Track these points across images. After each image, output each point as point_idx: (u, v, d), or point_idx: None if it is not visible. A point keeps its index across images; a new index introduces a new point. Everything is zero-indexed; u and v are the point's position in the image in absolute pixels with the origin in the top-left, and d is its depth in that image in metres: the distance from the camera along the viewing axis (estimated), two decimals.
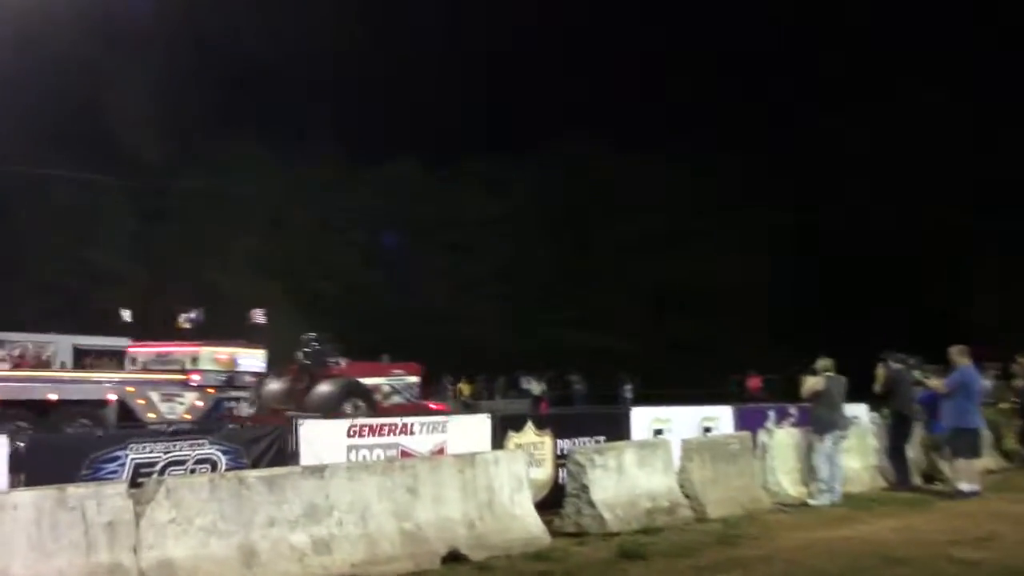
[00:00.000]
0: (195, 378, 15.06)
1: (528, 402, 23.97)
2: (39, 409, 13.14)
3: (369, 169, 34.02)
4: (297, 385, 15.77)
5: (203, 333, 15.84)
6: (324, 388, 15.28)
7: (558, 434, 10.46)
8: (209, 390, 15.30)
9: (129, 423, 13.35)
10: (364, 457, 8.73)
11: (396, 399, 16.40)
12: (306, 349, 16.13)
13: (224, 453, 7.86)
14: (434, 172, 34.91)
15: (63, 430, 12.29)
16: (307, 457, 8.23)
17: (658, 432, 11.43)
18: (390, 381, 16.52)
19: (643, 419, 11.60)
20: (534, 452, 10.05)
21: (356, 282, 32.41)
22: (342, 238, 32.93)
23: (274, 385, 15.87)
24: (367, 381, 16.03)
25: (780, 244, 35.24)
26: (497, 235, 36.46)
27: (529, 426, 10.23)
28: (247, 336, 15.91)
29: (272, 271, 30.32)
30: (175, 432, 8.78)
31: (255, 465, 7.91)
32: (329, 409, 14.22)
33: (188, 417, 14.66)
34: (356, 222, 32.93)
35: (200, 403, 15.24)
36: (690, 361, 31.57)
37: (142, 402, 14.27)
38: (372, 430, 8.96)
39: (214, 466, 7.80)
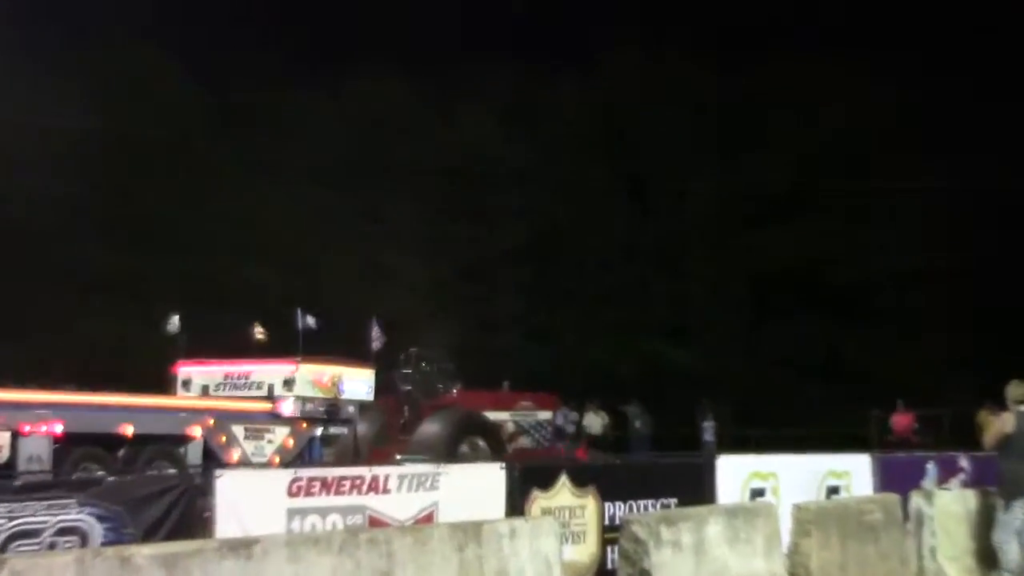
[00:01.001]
0: (286, 407, 15.28)
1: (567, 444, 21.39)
2: (110, 445, 13.19)
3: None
4: (397, 420, 15.95)
5: (274, 346, 15.92)
6: (434, 424, 15.23)
7: (606, 494, 10.05)
8: (303, 424, 15.43)
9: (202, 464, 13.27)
10: (313, 526, 8.36)
11: (524, 441, 16.51)
12: (408, 370, 16.31)
13: (100, 519, 7.24)
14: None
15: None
16: (227, 525, 7.81)
17: (758, 493, 11.24)
18: (517, 417, 16.70)
19: (735, 472, 11.32)
20: (570, 520, 9.75)
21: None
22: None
23: (367, 420, 16.02)
24: (490, 415, 16.23)
25: (954, 221, 31.09)
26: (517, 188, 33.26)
27: (563, 481, 9.81)
28: (359, 351, 16.03)
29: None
30: (25, 488, 7.90)
31: (148, 537, 7.41)
32: (440, 452, 14.12)
33: (277, 461, 14.55)
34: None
35: (291, 442, 15.07)
36: (807, 386, 29.55)
37: (222, 439, 14.44)
38: (326, 486, 8.50)
39: (84, 538, 7.19)
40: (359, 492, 8.72)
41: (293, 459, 14.40)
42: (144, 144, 27.40)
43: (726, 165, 34.66)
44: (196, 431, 13.99)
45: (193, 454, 13.86)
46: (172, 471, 11.87)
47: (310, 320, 15.17)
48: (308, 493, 8.45)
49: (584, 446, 20.42)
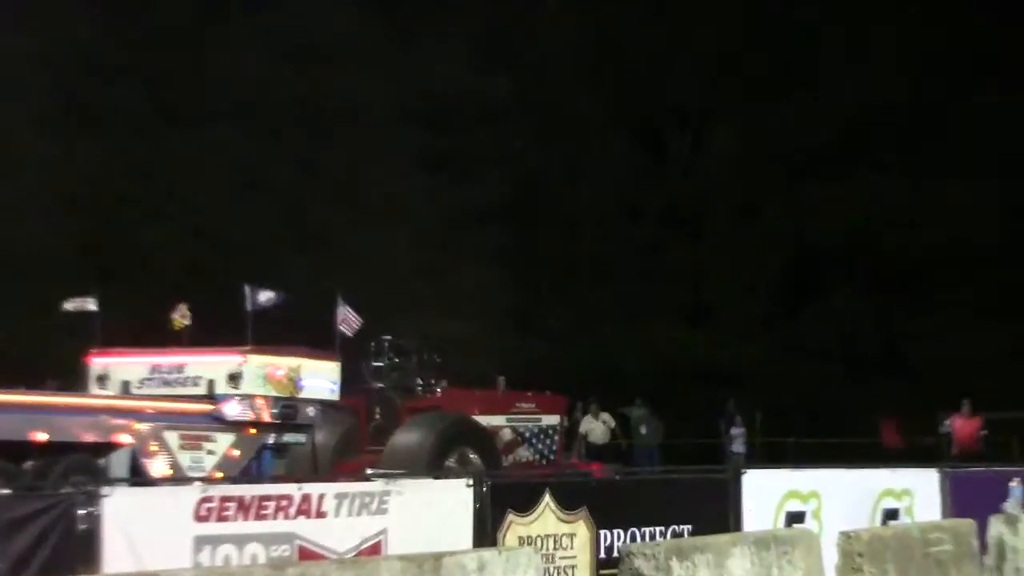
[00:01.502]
0: (231, 409, 14.88)
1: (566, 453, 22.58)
2: (17, 455, 12.72)
3: None
4: (367, 425, 15.75)
5: (208, 334, 15.41)
6: (413, 430, 15.06)
7: (602, 518, 9.98)
8: (251, 430, 15.12)
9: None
10: (228, 559, 8.28)
11: (524, 454, 16.23)
12: (380, 363, 16.07)
13: None
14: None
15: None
16: (116, 555, 7.76)
17: (795, 518, 11.11)
18: (516, 422, 16.45)
19: (767, 491, 11.25)
20: (555, 552, 9.73)
21: None
22: None
23: (330, 425, 15.67)
24: (482, 420, 15.86)
25: None
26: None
27: (547, 502, 9.80)
28: (325, 340, 15.48)
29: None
30: None
31: (16, 571, 7.43)
32: (421, 466, 14.02)
33: (219, 475, 14.17)
34: None
35: (236, 452, 14.77)
36: (857, 383, 28.57)
37: (152, 448, 14.00)
38: (244, 507, 8.44)
39: None
40: (286, 516, 8.65)
41: (239, 473, 14.05)
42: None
43: (760, 107, 33.03)
44: (124, 438, 13.63)
45: (118, 466, 13.49)
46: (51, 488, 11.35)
47: (263, 297, 14.68)
48: (221, 517, 8.39)
49: (578, 456, 20.00)
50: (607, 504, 10.19)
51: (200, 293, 17.21)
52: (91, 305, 15.43)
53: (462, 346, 23.45)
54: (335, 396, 15.45)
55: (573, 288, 32.31)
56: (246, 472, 14.36)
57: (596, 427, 22.22)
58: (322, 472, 14.65)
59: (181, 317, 15.02)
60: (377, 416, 16.05)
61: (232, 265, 23.95)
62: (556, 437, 17.04)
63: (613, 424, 22.44)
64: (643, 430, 23.59)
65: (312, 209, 28.95)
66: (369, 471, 13.35)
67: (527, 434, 16.70)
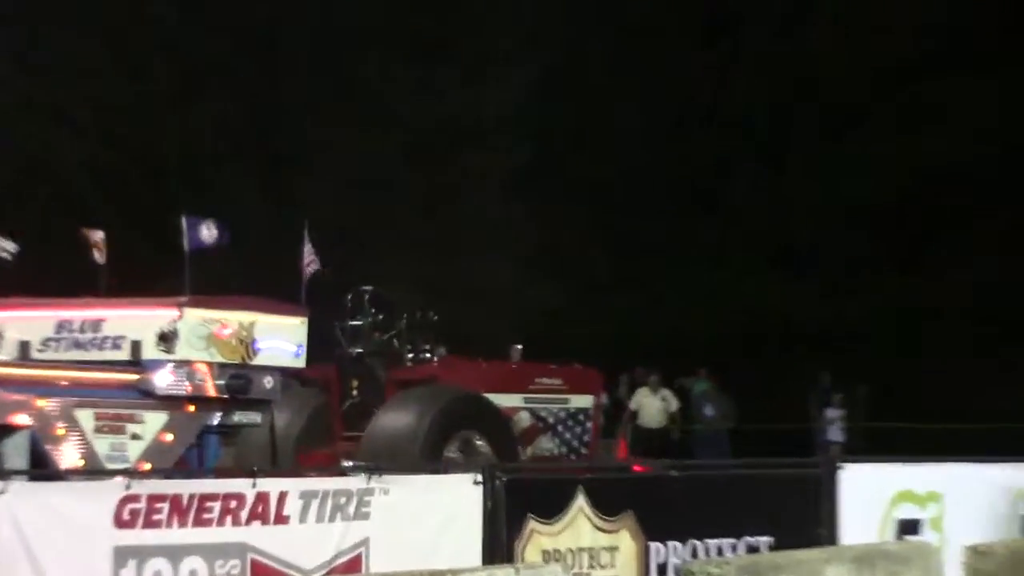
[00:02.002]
0: (163, 379, 14.95)
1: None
2: None
3: None
4: (342, 402, 16.07)
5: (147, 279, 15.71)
6: (403, 410, 15.26)
7: (652, 527, 10.28)
8: (189, 406, 15.16)
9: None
10: None
11: (546, 444, 16.54)
12: (360, 321, 16.30)
13: None
14: None
15: None
16: (11, 572, 8.02)
17: (909, 526, 11.44)
18: (537, 403, 16.77)
19: (872, 492, 11.51)
20: (591, 570, 10.02)
21: None
22: None
23: (294, 402, 16.10)
24: (493, 399, 16.02)
25: None
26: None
27: (580, 505, 10.07)
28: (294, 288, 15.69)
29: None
30: None
31: None
32: (412, 456, 14.31)
33: (147, 467, 14.27)
34: None
35: (170, 436, 14.83)
36: (994, 351, 28.34)
37: (57, 431, 14.11)
38: (180, 509, 8.67)
39: None
40: (236, 521, 8.83)
41: (175, 464, 14.24)
42: None
43: None
44: (20, 418, 13.79)
45: (13, 456, 13.65)
46: None
47: (205, 232, 14.79)
48: (150, 522, 8.55)
49: (623, 441, 20.28)
50: (660, 507, 10.26)
51: (120, 226, 17.22)
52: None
53: (467, 300, 23.52)
54: (300, 363, 15.49)
55: (616, 223, 32.25)
56: (183, 463, 14.49)
57: (651, 405, 22.59)
58: (283, 463, 14.81)
59: (98, 251, 15.10)
60: (355, 391, 16.17)
61: (163, 188, 23.97)
62: (589, 424, 17.19)
63: (676, 405, 22.84)
64: (708, 411, 23.88)
65: (270, 113, 29.02)
66: (345, 462, 13.47)
67: (551, 419, 16.84)
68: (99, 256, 15.91)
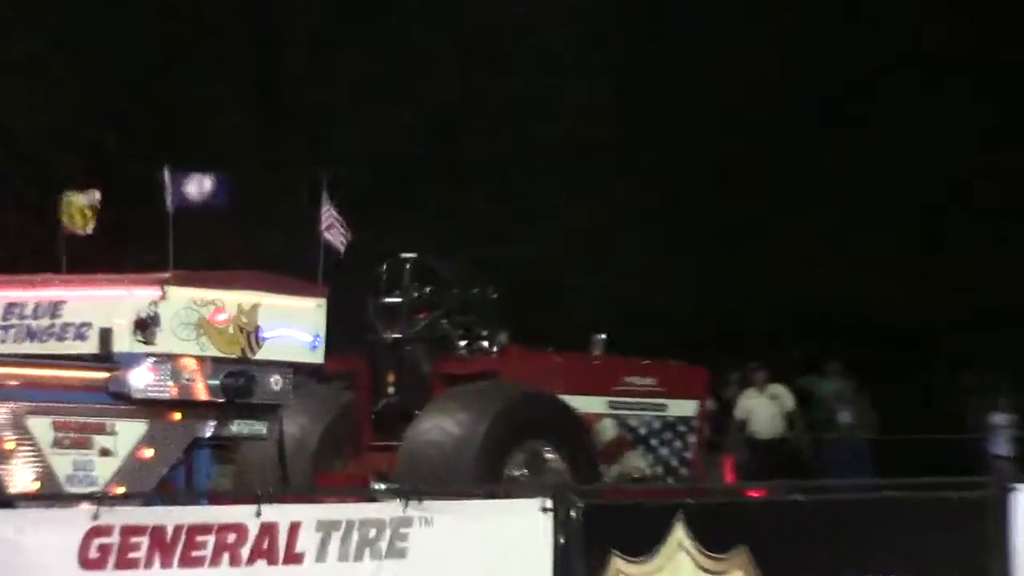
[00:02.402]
0: (140, 378, 15.03)
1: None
2: None
3: None
4: (372, 403, 16.25)
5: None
6: (453, 412, 15.41)
7: (773, 565, 10.59)
8: (174, 415, 15.17)
9: None
10: None
11: (636, 463, 16.67)
12: (394, 300, 16.49)
13: None
14: None
15: None
16: None
17: None
18: (626, 408, 16.95)
19: None
20: None
21: None
22: None
23: (310, 405, 16.33)
24: (570, 402, 16.16)
25: None
26: None
27: (679, 538, 10.34)
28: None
29: None
30: None
31: None
32: (464, 472, 14.49)
33: (120, 490, 14.34)
34: None
35: (149, 451, 14.89)
36: None
37: (9, 443, 14.20)
38: (162, 544, 8.83)
39: None
40: (235, 560, 9.00)
41: (155, 487, 14.24)
42: None
43: None
44: None
45: None
46: None
47: (194, 187, 14.85)
48: (125, 561, 8.71)
49: (730, 457, 20.55)
50: (782, 542, 10.48)
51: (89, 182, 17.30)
52: None
53: (535, 272, 23.42)
54: (318, 357, 15.59)
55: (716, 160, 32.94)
56: (167, 486, 14.54)
57: (762, 408, 22.76)
58: (296, 485, 14.93)
59: (81, 215, 15.13)
60: (391, 389, 16.29)
61: (139, 132, 24.01)
62: (691, 436, 17.31)
63: (791, 403, 22.89)
64: (842, 415, 24.06)
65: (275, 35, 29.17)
66: (376, 484, 13.66)
67: (643, 429, 16.94)
68: (80, 223, 15.97)
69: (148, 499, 12.09)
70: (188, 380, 15.52)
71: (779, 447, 22.60)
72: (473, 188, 30.22)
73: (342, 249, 16.20)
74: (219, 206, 15.55)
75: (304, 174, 16.58)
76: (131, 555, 8.64)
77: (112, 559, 8.58)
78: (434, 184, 29.20)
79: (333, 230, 16.00)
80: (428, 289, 16.53)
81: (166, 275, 15.08)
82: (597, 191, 32.94)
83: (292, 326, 16.12)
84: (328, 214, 16.01)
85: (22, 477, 14.69)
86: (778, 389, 22.72)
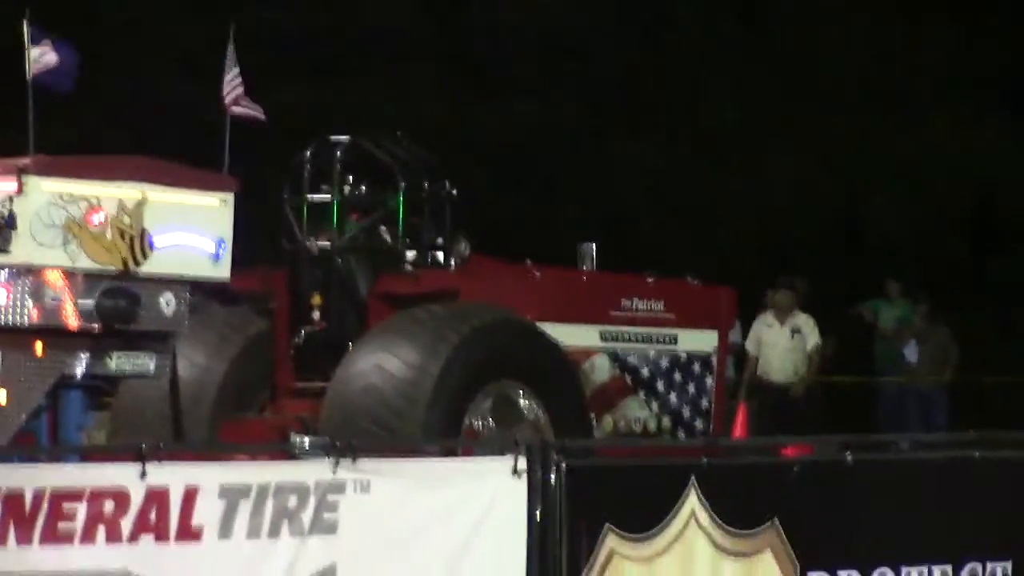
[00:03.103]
0: None
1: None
2: None
3: None
4: (293, 331, 16.38)
5: None
6: (394, 345, 15.67)
7: (813, 544, 10.83)
8: (36, 343, 15.27)
9: None
10: None
11: (638, 413, 17.01)
12: (319, 196, 16.60)
13: None
14: None
15: None
16: None
17: None
18: (624, 342, 17.22)
19: None
20: None
21: None
22: None
23: (211, 334, 16.55)
24: (552, 332, 16.44)
25: None
26: None
27: (692, 508, 10.59)
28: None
29: None
30: None
31: None
32: (412, 420, 14.75)
33: None
34: None
35: (1, 394, 15.00)
36: None
37: None
38: (18, 514, 8.87)
39: None
40: (113, 534, 9.07)
41: (10, 440, 14.40)
42: None
43: None
44: None
45: None
46: None
47: (46, 55, 14.95)
48: None
49: (742, 406, 20.69)
50: (825, 514, 10.74)
51: None
52: None
53: (508, 165, 23.44)
54: (223, 271, 15.74)
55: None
56: (26, 437, 14.68)
57: (775, 340, 23.20)
58: (193, 439, 15.10)
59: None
60: (316, 315, 16.45)
61: None
62: (708, 378, 17.57)
63: (813, 341, 23.21)
64: (910, 352, 24.35)
65: None
66: (297, 436, 13.24)
67: (646, 369, 17.16)
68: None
69: (1, 454, 12.23)
70: (53, 300, 15.64)
71: (792, 396, 23.01)
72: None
73: (263, 116, 16.34)
74: (69, 77, 15.72)
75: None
76: None
77: None
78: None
79: (243, 102, 16.11)
80: (364, 185, 16.74)
81: (24, 162, 15.20)
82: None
83: (189, 230, 16.23)
84: (233, 79, 16.08)
85: None
86: (801, 319, 23.05)
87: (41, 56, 15.34)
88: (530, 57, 32.70)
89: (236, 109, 15.67)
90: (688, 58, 34.67)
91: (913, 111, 34.16)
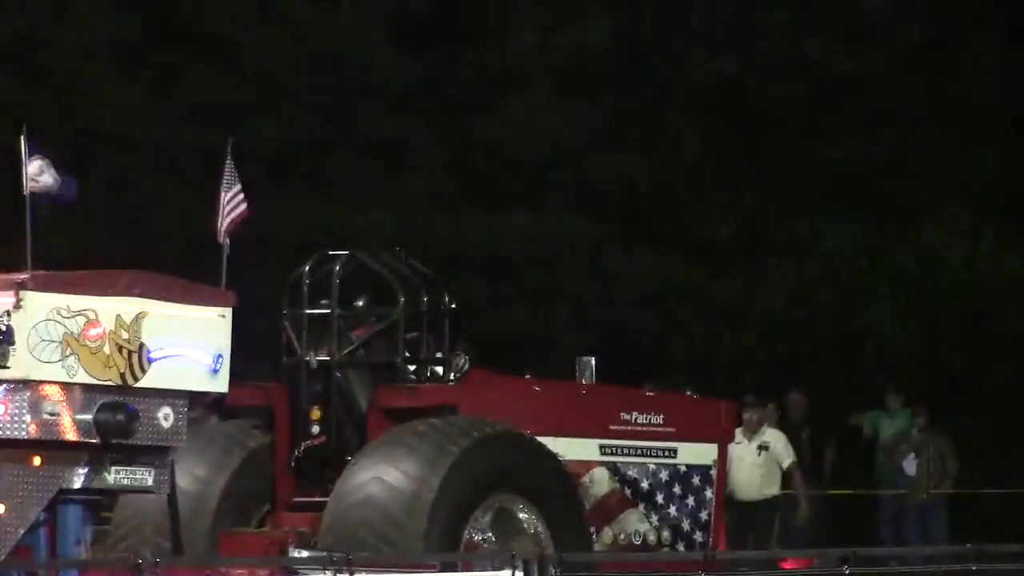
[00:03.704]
0: None
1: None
2: None
3: None
4: (293, 445, 16.32)
5: None
6: (393, 460, 15.54)
7: None
8: (34, 459, 15.12)
9: None
10: None
11: (639, 525, 16.89)
12: (318, 310, 16.56)
13: None
14: None
15: None
16: None
17: None
18: (624, 455, 17.23)
19: None
20: None
21: None
22: None
23: (211, 448, 16.51)
24: (551, 445, 16.42)
25: None
26: None
27: None
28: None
29: None
30: None
31: None
32: (412, 535, 14.63)
33: None
34: None
35: (0, 508, 14.99)
36: None
37: None
38: None
39: None
40: None
41: (7, 555, 14.30)
42: None
43: None
44: None
45: None
46: None
47: (47, 176, 14.97)
48: None
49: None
50: None
51: None
52: None
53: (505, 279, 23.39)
54: (221, 385, 15.69)
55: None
56: (25, 550, 14.58)
57: (742, 456, 22.83)
58: (192, 552, 14.98)
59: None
60: (316, 429, 16.43)
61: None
62: (708, 491, 17.58)
63: (787, 461, 23.09)
64: (908, 464, 24.33)
65: None
66: (296, 551, 13.78)
67: (646, 482, 17.19)
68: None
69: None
70: (51, 414, 15.63)
71: (760, 510, 22.93)
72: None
73: (235, 225, 16.32)
74: (66, 198, 15.70)
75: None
76: None
77: None
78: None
79: (236, 215, 16.10)
80: (365, 299, 16.78)
81: (22, 277, 15.22)
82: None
83: (187, 344, 16.22)
84: (234, 196, 16.09)
85: None
86: (771, 436, 22.91)
87: (39, 175, 15.41)
88: (527, 170, 32.85)
89: (225, 221, 15.70)
90: (685, 170, 35.03)
91: (912, 221, 34.23)
